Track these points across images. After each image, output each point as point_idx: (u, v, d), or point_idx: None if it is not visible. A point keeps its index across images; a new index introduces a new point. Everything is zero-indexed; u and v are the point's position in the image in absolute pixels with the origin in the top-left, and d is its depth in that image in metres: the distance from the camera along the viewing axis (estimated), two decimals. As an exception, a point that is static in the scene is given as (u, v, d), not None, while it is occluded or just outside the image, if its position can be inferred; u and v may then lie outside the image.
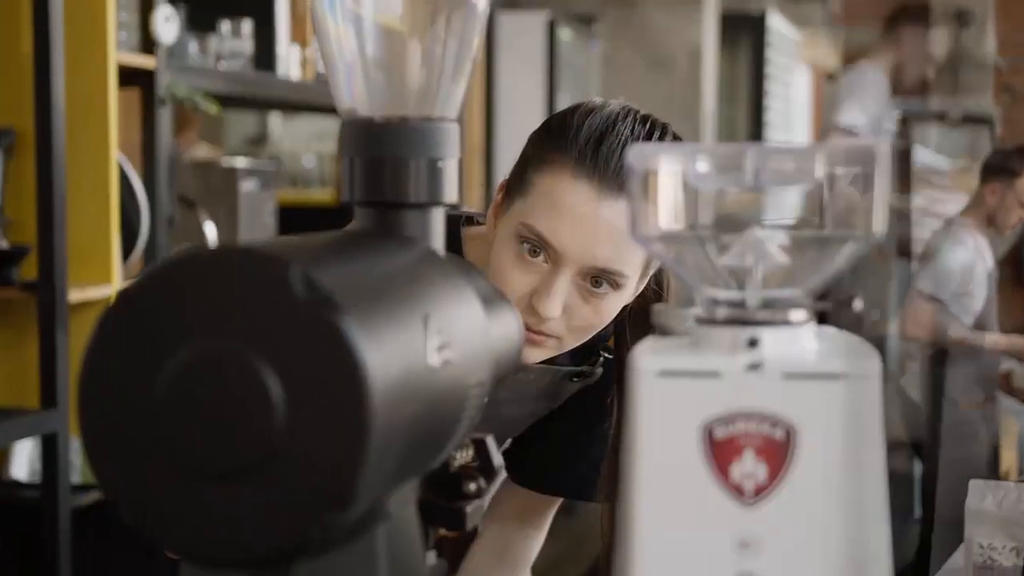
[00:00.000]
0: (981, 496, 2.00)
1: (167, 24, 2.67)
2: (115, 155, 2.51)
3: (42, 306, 2.34)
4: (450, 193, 0.79)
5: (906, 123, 4.46)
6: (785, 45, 7.86)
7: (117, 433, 0.62)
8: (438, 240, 0.79)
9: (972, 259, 4.18)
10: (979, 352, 4.26)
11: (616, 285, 1.26)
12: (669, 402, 0.67)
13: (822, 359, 0.67)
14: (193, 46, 2.96)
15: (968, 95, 9.50)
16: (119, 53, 2.57)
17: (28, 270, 2.41)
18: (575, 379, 1.42)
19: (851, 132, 4.33)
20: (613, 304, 1.28)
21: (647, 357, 0.68)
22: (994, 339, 4.42)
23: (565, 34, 5.06)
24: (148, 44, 2.68)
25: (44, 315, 2.34)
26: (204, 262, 0.61)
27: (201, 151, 3.84)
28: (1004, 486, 1.97)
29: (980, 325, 4.30)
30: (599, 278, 1.25)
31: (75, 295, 2.42)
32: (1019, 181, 4.30)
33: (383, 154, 0.77)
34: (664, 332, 0.76)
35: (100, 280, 2.50)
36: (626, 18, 5.61)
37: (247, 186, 3.07)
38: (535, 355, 1.29)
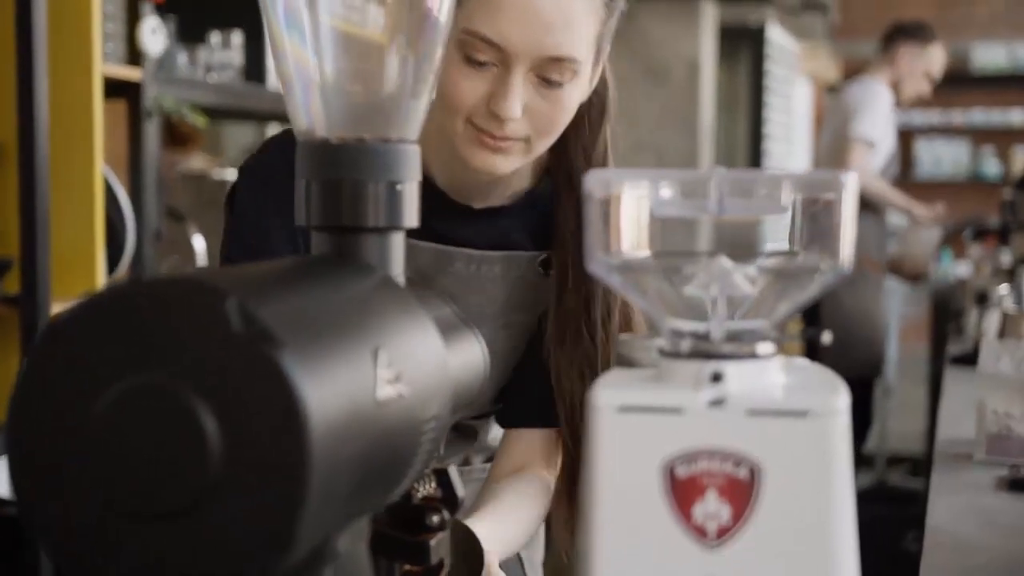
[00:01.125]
0: (996, 357, 1.87)
1: (154, 36, 2.64)
2: (100, 167, 2.48)
3: (24, 321, 2.31)
4: (410, 217, 0.76)
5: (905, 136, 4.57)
6: (785, 57, 7.84)
7: (47, 469, 0.59)
8: (397, 265, 0.76)
9: (889, 109, 4.38)
10: (882, 214, 4.41)
11: (571, 73, 1.22)
12: (629, 439, 0.64)
13: (788, 395, 0.64)
14: (182, 57, 2.93)
15: None
16: (105, 65, 2.54)
17: (11, 283, 2.38)
18: (542, 268, 1.39)
19: (870, 144, 4.36)
20: (572, 95, 1.25)
21: (606, 392, 0.65)
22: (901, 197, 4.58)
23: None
24: (135, 56, 2.65)
25: (26, 330, 2.31)
26: (138, 293, 0.59)
27: (198, 162, 3.81)
28: (1023, 347, 1.85)
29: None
30: (552, 70, 1.21)
31: (59, 309, 2.39)
32: (930, 48, 4.44)
33: (340, 176, 0.74)
34: (628, 364, 0.73)
35: (84, 294, 2.47)
36: (624, 30, 5.58)
37: (237, 199, 3.04)
38: (505, 163, 1.27)
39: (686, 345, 0.66)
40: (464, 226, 1.37)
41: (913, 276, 4.90)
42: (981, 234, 4.52)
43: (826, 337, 0.67)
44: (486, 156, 1.25)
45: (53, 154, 2.37)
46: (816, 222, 0.66)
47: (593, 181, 0.67)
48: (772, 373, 0.66)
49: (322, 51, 0.76)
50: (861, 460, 5.44)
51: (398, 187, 0.75)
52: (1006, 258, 3.91)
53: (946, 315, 4.68)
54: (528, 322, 1.41)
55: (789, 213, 0.66)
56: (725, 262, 0.67)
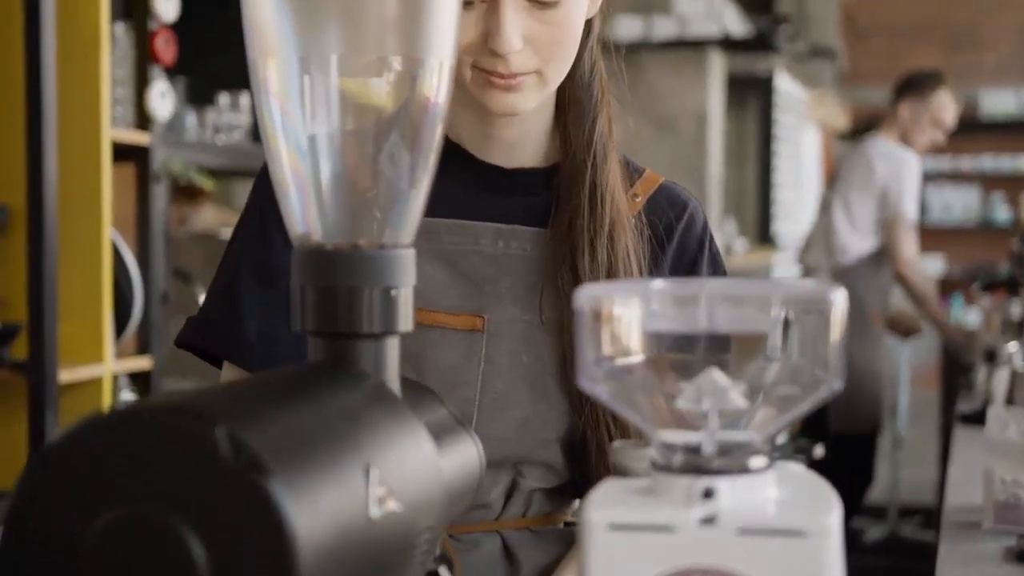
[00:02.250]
0: (1003, 424, 1.83)
1: (163, 100, 2.66)
2: (108, 232, 2.50)
3: (32, 387, 2.31)
4: (405, 322, 0.76)
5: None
6: (793, 105, 7.87)
7: (38, 597, 0.59)
8: (392, 370, 0.76)
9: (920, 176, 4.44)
10: (885, 266, 4.43)
11: None
12: (621, 557, 0.64)
13: (781, 513, 0.64)
14: (191, 119, 2.95)
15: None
16: (114, 130, 2.56)
17: (18, 349, 2.39)
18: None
19: (914, 225, 4.41)
20: (572, 12, 1.18)
21: (599, 510, 0.65)
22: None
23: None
24: (144, 120, 2.67)
25: (34, 396, 2.31)
26: (128, 421, 0.59)
27: (209, 215, 3.82)
28: None
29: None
30: None
31: (66, 375, 2.40)
32: (933, 97, 4.45)
33: (335, 283, 0.75)
34: (623, 472, 0.73)
35: (92, 359, 2.48)
36: (632, 81, 5.61)
37: (245, 258, 3.05)
38: (522, 100, 1.20)
39: (678, 459, 0.66)
40: (493, 193, 1.28)
41: (906, 332, 4.91)
42: (991, 285, 4.51)
43: (818, 451, 0.67)
44: (500, 96, 1.19)
45: (61, 219, 2.39)
46: (807, 336, 0.66)
47: (583, 297, 0.67)
48: (764, 488, 0.66)
49: (318, 157, 0.76)
50: (871, 512, 5.42)
51: (393, 292, 0.75)
52: (1016, 309, 3.90)
53: (956, 367, 4.67)
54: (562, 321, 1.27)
55: (780, 326, 0.66)
56: (717, 375, 0.67)
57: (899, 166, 4.46)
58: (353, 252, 0.75)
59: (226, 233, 3.26)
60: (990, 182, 10.04)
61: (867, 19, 10.23)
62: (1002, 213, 9.99)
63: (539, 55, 1.17)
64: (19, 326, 2.37)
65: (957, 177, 10.05)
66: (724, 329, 0.67)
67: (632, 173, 1.33)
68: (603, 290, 0.68)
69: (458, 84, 1.20)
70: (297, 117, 0.75)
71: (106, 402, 2.51)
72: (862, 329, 4.37)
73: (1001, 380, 2.86)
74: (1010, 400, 2.85)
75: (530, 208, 1.28)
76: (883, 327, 4.57)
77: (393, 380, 0.76)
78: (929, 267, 10.03)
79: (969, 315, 6.05)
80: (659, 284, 0.69)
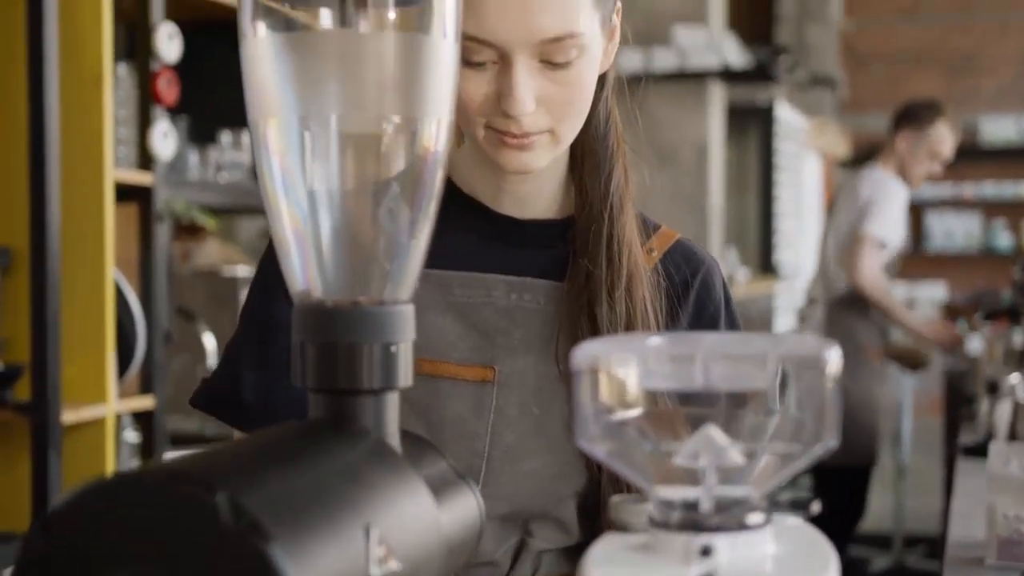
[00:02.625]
0: (1004, 459, 1.81)
1: (165, 140, 2.68)
2: (111, 273, 2.50)
3: (35, 428, 2.32)
4: (405, 377, 0.77)
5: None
6: (794, 134, 7.89)
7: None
8: (392, 425, 0.77)
9: (903, 208, 4.42)
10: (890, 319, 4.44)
11: (576, 49, 1.14)
12: (619, 615, 0.64)
13: (779, 570, 0.64)
14: (194, 157, 2.97)
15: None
16: (117, 170, 2.57)
17: (22, 390, 2.39)
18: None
19: (881, 245, 4.38)
20: (585, 71, 1.17)
21: (597, 567, 0.65)
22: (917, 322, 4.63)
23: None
24: (146, 160, 2.69)
25: (37, 438, 2.31)
26: (129, 486, 0.59)
27: (213, 250, 3.84)
28: None
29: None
30: (554, 52, 1.14)
31: (69, 416, 2.40)
32: (931, 129, 4.45)
33: (335, 340, 0.75)
34: (622, 527, 0.74)
35: (95, 400, 2.48)
36: (632, 112, 5.64)
37: (248, 295, 3.06)
38: (535, 159, 1.19)
39: (675, 516, 0.67)
40: (507, 245, 1.28)
41: (912, 366, 4.90)
42: (993, 315, 4.51)
43: (815, 507, 0.68)
44: (514, 156, 1.18)
45: (64, 260, 2.40)
46: (803, 393, 0.67)
47: (580, 355, 0.68)
48: (762, 544, 0.66)
49: (317, 215, 0.77)
50: (876, 541, 5.41)
51: (392, 348, 0.76)
52: (1018, 338, 3.90)
53: (959, 396, 4.67)
54: None
55: (776, 384, 0.67)
56: (714, 432, 0.68)
57: (879, 189, 4.49)
58: (353, 309, 0.76)
59: (229, 269, 3.27)
60: (992, 208, 10.07)
61: (866, 47, 10.27)
62: (1004, 239, 10.01)
63: (552, 114, 1.17)
64: (22, 367, 2.38)
65: (959, 204, 10.08)
66: (720, 386, 0.67)
67: (648, 227, 1.32)
68: (600, 348, 0.68)
69: (472, 139, 1.21)
70: (297, 175, 0.76)
71: (109, 442, 2.52)
72: (855, 362, 4.36)
73: (1003, 412, 2.86)
74: (1013, 432, 2.85)
75: (544, 260, 1.28)
76: (881, 360, 4.56)
77: (393, 435, 0.76)
78: (931, 294, 10.06)
79: (972, 342, 6.05)
80: (655, 341, 0.70)
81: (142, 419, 2.74)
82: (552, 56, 1.14)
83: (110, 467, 2.52)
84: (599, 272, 1.24)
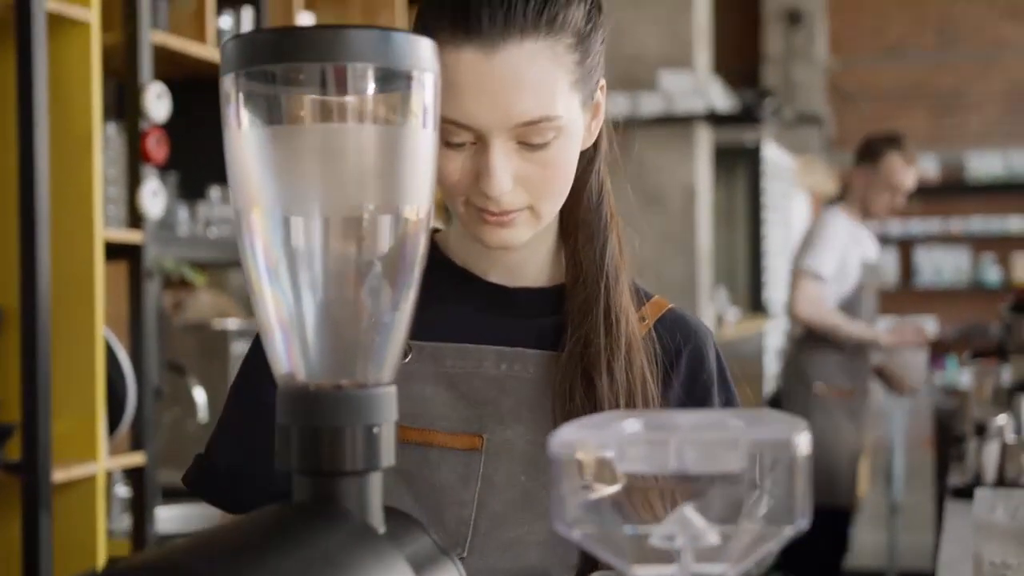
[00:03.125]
0: (990, 505, 1.81)
1: (154, 198, 2.70)
2: (101, 331, 2.52)
3: (26, 488, 2.33)
4: (387, 457, 0.79)
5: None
6: (781, 173, 7.94)
7: None
8: (375, 505, 0.78)
9: (846, 242, 4.42)
10: (844, 340, 4.40)
11: (553, 131, 1.16)
12: None
13: (752, 651, 0.66)
14: (183, 213, 2.99)
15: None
16: (107, 229, 2.59)
17: (12, 450, 2.40)
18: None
19: (816, 276, 4.40)
20: (564, 150, 1.18)
21: (575, 650, 0.67)
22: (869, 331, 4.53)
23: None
24: (136, 218, 2.71)
25: (28, 497, 2.32)
26: (117, 581, 0.61)
27: (205, 301, 3.85)
28: (1017, 494, 1.79)
29: (848, 313, 4.45)
30: (531, 135, 1.15)
31: (60, 474, 2.41)
32: (882, 163, 4.47)
33: (319, 423, 0.77)
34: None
35: (85, 457, 2.49)
36: (621, 155, 5.68)
37: (239, 348, 3.08)
38: (515, 235, 1.21)
39: (653, 598, 0.68)
40: (498, 314, 1.30)
41: (899, 390, 4.89)
42: (981, 353, 4.53)
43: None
44: (494, 232, 1.20)
45: (55, 318, 2.41)
46: (775, 476, 0.68)
47: (557, 441, 0.69)
48: (737, 625, 0.68)
49: (301, 301, 0.79)
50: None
51: (375, 430, 0.78)
52: (1007, 376, 3.92)
53: (949, 433, 4.67)
54: None
55: (748, 467, 0.68)
56: (689, 512, 0.69)
57: (819, 223, 4.54)
58: (336, 393, 0.77)
59: (219, 322, 3.29)
60: (980, 243, 10.12)
61: (853, 85, 10.35)
62: (992, 274, 10.06)
63: (530, 193, 1.19)
64: (13, 427, 2.39)
65: (947, 239, 10.13)
66: (695, 470, 0.69)
67: (640, 295, 1.33)
68: (577, 434, 0.70)
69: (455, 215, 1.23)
70: (280, 262, 0.78)
71: (100, 500, 2.52)
72: (819, 407, 4.36)
73: (991, 454, 2.88)
74: (1000, 474, 2.86)
75: (534, 329, 1.29)
76: (851, 398, 4.51)
77: (376, 515, 0.78)
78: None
79: (963, 376, 6.06)
80: (632, 426, 0.71)
81: (133, 474, 2.75)
82: (529, 138, 1.16)
83: (101, 524, 2.52)
84: (598, 341, 1.25)
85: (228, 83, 0.78)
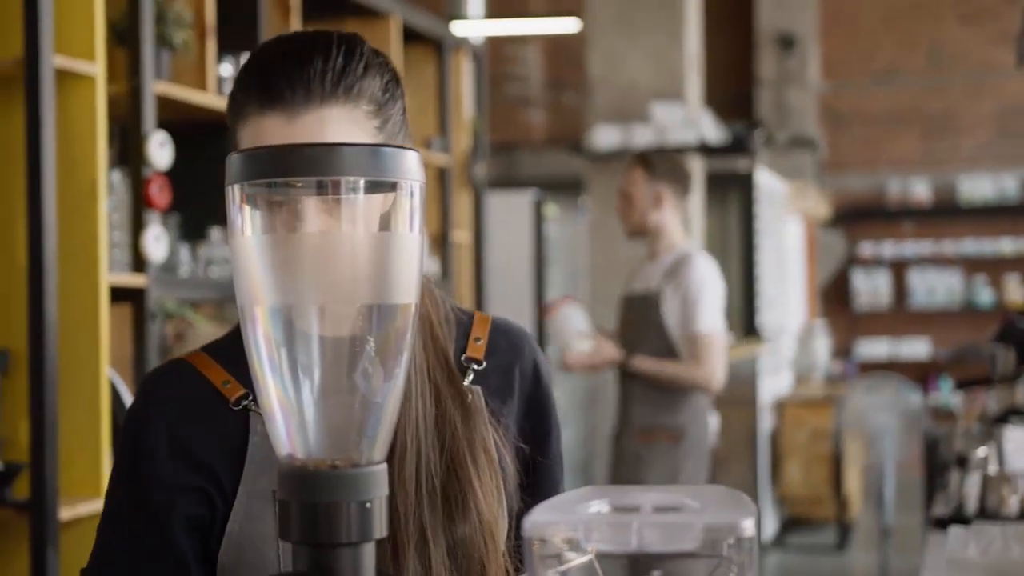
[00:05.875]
0: (963, 544, 1.86)
1: (157, 243, 2.78)
2: (106, 372, 2.60)
3: (34, 526, 2.41)
4: (379, 529, 0.87)
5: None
6: (774, 198, 8.02)
7: None
8: (368, 573, 0.87)
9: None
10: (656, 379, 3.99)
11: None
12: None
13: None
14: (185, 253, 3.07)
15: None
16: (111, 274, 2.68)
17: (20, 488, 2.48)
18: (466, 360, 1.32)
19: (713, 335, 4.13)
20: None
21: None
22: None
23: (551, 210, 5.20)
24: (139, 262, 2.79)
25: (35, 534, 2.40)
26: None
27: (206, 330, 3.91)
28: (989, 531, 1.83)
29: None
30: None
31: (66, 512, 2.49)
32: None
33: (316, 500, 0.86)
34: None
35: (91, 495, 2.57)
36: (613, 185, 5.75)
37: (238, 383, 3.16)
38: None
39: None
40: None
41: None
42: (967, 383, 4.59)
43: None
44: None
45: (61, 361, 2.50)
46: (726, 556, 0.77)
47: (530, 526, 0.78)
48: None
49: (300, 389, 0.88)
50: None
51: (368, 505, 0.86)
52: (993, 405, 3.98)
53: (937, 460, 4.73)
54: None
55: (702, 548, 0.77)
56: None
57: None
58: (332, 471, 0.86)
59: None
60: (972, 265, 10.20)
61: (845, 108, 10.45)
62: (985, 295, 10.14)
63: None
64: (22, 466, 2.47)
65: (939, 261, 10.21)
66: (655, 549, 0.78)
67: (462, 316, 1.36)
68: (550, 519, 0.79)
69: None
70: (281, 355, 0.87)
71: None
72: (657, 451, 3.99)
73: (973, 486, 2.94)
74: (982, 506, 2.93)
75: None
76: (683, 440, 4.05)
77: (369, 584, 0.86)
78: (914, 350, 10.19)
79: (955, 398, 6.14)
80: (596, 508, 0.80)
81: (137, 509, 2.82)
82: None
83: (107, 560, 2.59)
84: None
85: (233, 193, 0.88)
